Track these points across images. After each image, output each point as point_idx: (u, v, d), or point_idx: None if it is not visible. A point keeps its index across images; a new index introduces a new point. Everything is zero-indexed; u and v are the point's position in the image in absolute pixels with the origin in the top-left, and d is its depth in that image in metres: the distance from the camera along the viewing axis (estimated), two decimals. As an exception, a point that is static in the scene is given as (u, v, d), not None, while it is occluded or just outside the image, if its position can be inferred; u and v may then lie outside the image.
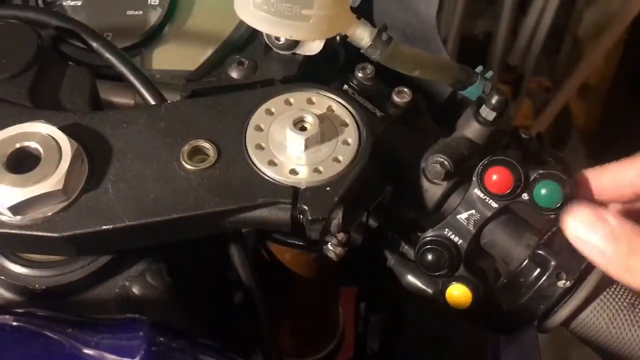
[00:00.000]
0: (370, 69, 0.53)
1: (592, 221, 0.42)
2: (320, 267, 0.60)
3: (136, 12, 0.73)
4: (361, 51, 0.47)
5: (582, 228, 0.43)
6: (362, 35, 0.46)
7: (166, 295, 0.47)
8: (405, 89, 0.53)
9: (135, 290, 0.46)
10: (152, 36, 0.72)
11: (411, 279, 0.52)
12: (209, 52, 0.72)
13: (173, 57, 0.73)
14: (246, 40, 0.61)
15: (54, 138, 0.43)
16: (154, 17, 0.73)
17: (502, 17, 2.13)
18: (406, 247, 0.53)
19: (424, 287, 0.51)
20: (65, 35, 0.55)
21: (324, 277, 0.63)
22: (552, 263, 0.45)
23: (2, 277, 0.45)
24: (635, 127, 2.11)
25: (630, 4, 2.02)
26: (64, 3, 0.73)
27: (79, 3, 0.73)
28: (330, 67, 0.56)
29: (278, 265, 0.59)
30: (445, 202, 0.50)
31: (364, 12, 0.57)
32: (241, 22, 0.61)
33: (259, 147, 0.46)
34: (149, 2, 0.73)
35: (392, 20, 0.63)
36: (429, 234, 0.49)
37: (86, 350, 0.34)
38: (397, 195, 0.50)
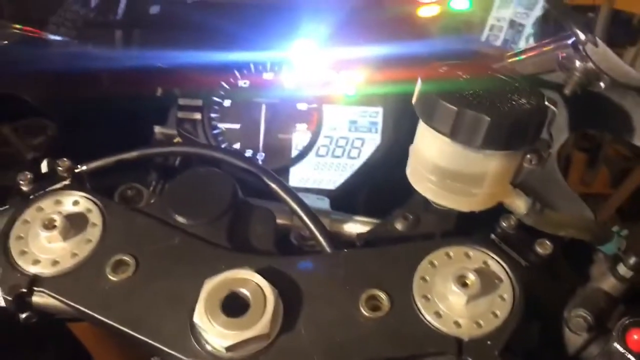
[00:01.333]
0: (514, 219, 0.60)
1: None
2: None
3: (285, 136, 0.82)
4: (516, 217, 0.54)
5: None
6: (519, 205, 0.53)
7: None
8: (547, 242, 0.59)
9: None
10: (299, 158, 0.82)
11: None
12: (347, 173, 0.81)
13: (315, 177, 0.82)
14: (381, 166, 0.66)
15: (259, 285, 0.51)
16: (302, 140, 0.82)
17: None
18: None
19: None
20: (247, 176, 0.64)
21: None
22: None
23: None
24: None
25: None
26: (224, 126, 0.83)
27: (237, 127, 0.83)
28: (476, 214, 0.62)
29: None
30: (585, 351, 0.55)
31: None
32: (379, 147, 0.68)
33: (425, 297, 0.52)
34: (297, 128, 0.82)
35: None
36: None
37: None
38: (541, 340, 0.56)
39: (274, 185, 0.62)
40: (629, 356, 0.53)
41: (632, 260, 0.55)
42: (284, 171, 0.81)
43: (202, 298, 0.51)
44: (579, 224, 0.57)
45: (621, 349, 0.53)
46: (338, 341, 0.51)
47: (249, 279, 0.52)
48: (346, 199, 0.78)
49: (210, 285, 0.51)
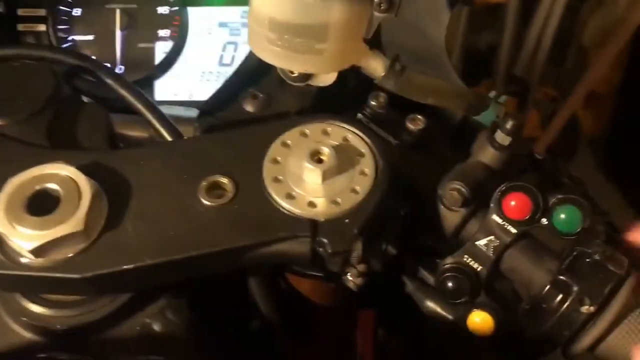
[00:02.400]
0: (383, 97, 0.54)
1: None
2: (339, 295, 0.60)
3: (147, 45, 0.74)
4: (375, 81, 0.47)
5: None
6: (376, 66, 0.46)
7: (187, 331, 0.47)
8: (419, 116, 0.53)
9: (156, 327, 0.46)
10: (164, 68, 0.73)
11: (431, 305, 0.51)
12: (220, 81, 0.73)
13: (184, 88, 0.74)
14: (257, 71, 0.62)
15: (73, 179, 0.43)
16: (165, 48, 0.74)
17: (506, 29, 2.13)
18: (425, 273, 0.53)
19: (444, 313, 0.51)
20: (79, 72, 0.56)
21: (342, 305, 0.62)
22: (575, 288, 0.45)
23: (24, 318, 0.45)
24: (643, 134, 2.11)
25: (635, 11, 2.02)
26: (76, 38, 0.74)
27: (91, 38, 0.74)
28: (342, 93, 0.56)
29: (296, 295, 0.59)
30: (464, 229, 0.49)
31: (373, 37, 0.58)
32: (251, 53, 0.62)
33: (277, 180, 0.46)
34: (159, 35, 0.74)
35: (401, 45, 0.63)
36: (449, 261, 0.49)
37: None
38: (415, 223, 0.50)
39: (106, 78, 0.53)
40: (509, 228, 0.48)
41: (509, 124, 0.49)
42: (147, 84, 0.72)
43: (3, 199, 0.43)
44: (450, 89, 0.51)
45: (500, 220, 0.48)
46: (172, 234, 0.43)
47: (59, 173, 0.44)
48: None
49: (12, 183, 0.43)
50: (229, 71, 0.72)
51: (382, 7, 0.44)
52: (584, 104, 2.46)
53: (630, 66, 2.32)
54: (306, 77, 0.50)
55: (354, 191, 0.45)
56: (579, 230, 0.45)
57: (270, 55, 0.45)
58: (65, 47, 0.73)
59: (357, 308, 0.71)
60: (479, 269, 0.48)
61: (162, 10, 0.74)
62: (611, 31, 2.26)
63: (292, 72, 0.50)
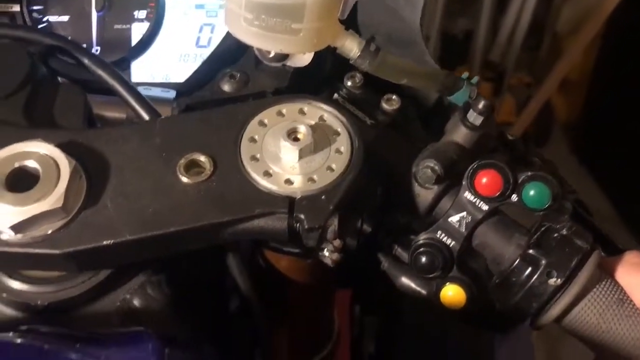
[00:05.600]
0: (359, 77, 0.55)
1: None
2: (316, 272, 0.61)
3: (123, 26, 0.73)
4: (350, 62, 0.48)
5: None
6: (351, 47, 0.47)
7: (166, 306, 0.48)
8: (394, 97, 0.54)
9: (136, 302, 0.47)
10: (140, 49, 0.73)
11: (405, 281, 0.53)
12: (197, 63, 0.73)
13: (161, 70, 0.74)
14: (234, 52, 0.62)
15: (51, 157, 0.44)
16: (141, 30, 0.74)
17: (482, 15, 2.16)
18: (399, 250, 0.54)
19: (418, 288, 0.52)
20: (55, 52, 0.56)
21: (319, 282, 0.64)
22: (543, 262, 0.46)
23: (4, 295, 0.46)
24: (615, 120, 2.15)
25: (607, -1, 2.05)
26: (51, 19, 0.73)
27: (66, 19, 0.73)
28: (318, 74, 0.57)
29: (274, 272, 0.60)
30: (437, 206, 0.51)
31: (349, 18, 0.58)
32: (229, 34, 0.62)
33: (254, 158, 0.47)
34: (135, 16, 0.73)
35: (376, 26, 0.64)
36: (422, 237, 0.50)
37: (98, 365, 0.35)
38: (390, 201, 0.51)
39: (84, 58, 0.54)
40: (480, 204, 0.49)
41: (481, 104, 0.50)
42: (124, 66, 0.72)
43: (-19, 176, 0.43)
44: (423, 71, 0.52)
45: (472, 197, 0.49)
46: (151, 211, 0.44)
47: (37, 152, 0.44)
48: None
49: (-10, 161, 0.43)
50: (205, 53, 0.72)
51: (356, -14, 0.45)
52: (558, 90, 2.49)
53: (602, 53, 2.35)
54: (283, 57, 0.51)
55: (330, 169, 0.46)
56: (547, 206, 0.47)
57: (247, 36, 0.45)
58: (41, 27, 0.72)
59: (334, 288, 0.72)
60: (451, 245, 0.49)
61: (138, -10, 0.74)
62: (584, 19, 2.28)
63: (269, 53, 0.51)
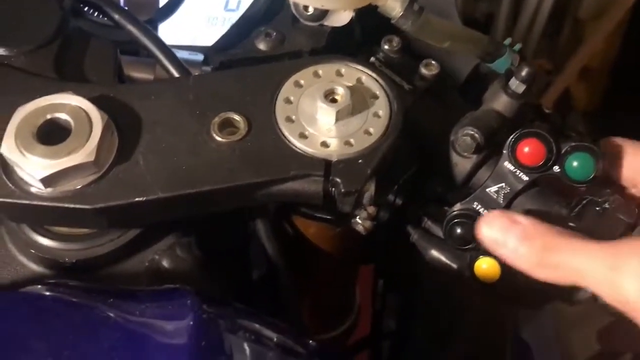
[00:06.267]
0: (396, 41, 0.53)
1: (506, 225, 0.43)
2: (344, 242, 0.60)
3: (151, -13, 0.72)
4: (392, 22, 0.47)
5: (497, 233, 0.44)
6: (394, 5, 0.46)
7: (195, 268, 0.47)
8: (433, 62, 0.52)
9: (165, 263, 0.46)
10: (168, 11, 0.72)
11: (435, 253, 0.52)
12: (225, 27, 0.71)
13: (188, 33, 0.72)
14: (270, 10, 0.60)
15: (84, 110, 0.43)
16: (170, -9, 0.72)
17: (503, 0, 2.12)
18: (429, 222, 0.53)
19: (449, 262, 0.51)
20: (86, 6, 0.54)
21: (346, 252, 0.62)
22: (584, 236, 0.45)
23: (32, 250, 0.45)
24: (636, 109, 2.12)
25: (632, -14, 2.01)
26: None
27: (93, -23, 0.72)
28: (355, 36, 0.55)
29: (301, 240, 0.59)
30: (475, 176, 0.49)
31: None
32: (257, -2, 0.61)
33: (289, 119, 0.45)
34: (164, -24, 0.72)
35: None
36: (458, 208, 0.49)
37: (133, 319, 0.34)
38: (426, 169, 0.50)
39: (114, 14, 0.52)
40: (521, 175, 0.48)
41: (524, 71, 0.48)
42: (151, 27, 0.71)
43: (12, 127, 0.42)
44: (466, 34, 0.50)
45: (512, 167, 0.48)
46: (184, 169, 0.43)
47: (70, 104, 0.43)
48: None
49: (22, 112, 0.42)
50: (234, 17, 0.71)
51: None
52: (577, 77, 2.46)
53: (624, 41, 2.31)
54: (320, 16, 0.49)
55: (368, 132, 0.45)
56: (591, 177, 0.45)
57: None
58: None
59: (359, 261, 0.71)
60: None
61: (168, -48, 0.72)
62: (607, 6, 2.23)
63: (306, 11, 0.50)
